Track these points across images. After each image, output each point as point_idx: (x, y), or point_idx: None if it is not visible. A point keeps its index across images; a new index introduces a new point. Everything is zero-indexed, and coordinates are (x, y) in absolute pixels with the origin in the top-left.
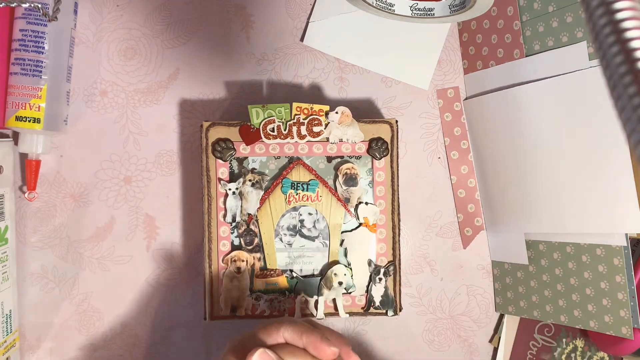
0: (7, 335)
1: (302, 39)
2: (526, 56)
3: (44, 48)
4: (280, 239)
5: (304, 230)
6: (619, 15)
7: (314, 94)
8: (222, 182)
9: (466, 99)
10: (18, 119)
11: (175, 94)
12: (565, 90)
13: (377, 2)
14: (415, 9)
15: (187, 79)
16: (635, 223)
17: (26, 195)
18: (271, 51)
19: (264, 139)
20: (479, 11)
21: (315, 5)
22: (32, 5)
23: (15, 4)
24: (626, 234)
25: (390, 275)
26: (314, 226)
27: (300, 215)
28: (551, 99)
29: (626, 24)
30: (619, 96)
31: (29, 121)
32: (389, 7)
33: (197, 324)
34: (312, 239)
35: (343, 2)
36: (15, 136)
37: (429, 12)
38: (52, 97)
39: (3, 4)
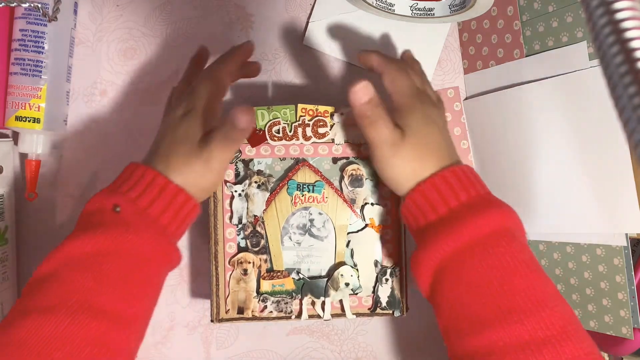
0: None
1: (302, 39)
2: (526, 56)
3: (43, 48)
4: (290, 237)
5: (314, 230)
6: (619, 15)
7: (314, 94)
8: (227, 184)
9: (466, 99)
10: (18, 119)
11: None
12: (565, 90)
13: (377, 2)
14: (415, 9)
15: None
16: (635, 223)
17: (26, 195)
18: (271, 51)
19: (269, 140)
20: (479, 11)
21: (315, 5)
22: (32, 5)
23: (15, 4)
24: (626, 234)
25: (396, 276)
26: (324, 226)
27: (311, 214)
28: (551, 99)
29: (626, 24)
30: (619, 96)
31: (29, 121)
32: (389, 7)
33: (197, 324)
34: (321, 238)
35: (343, 2)
36: (15, 136)
37: (429, 12)
38: (52, 97)
39: (3, 4)
